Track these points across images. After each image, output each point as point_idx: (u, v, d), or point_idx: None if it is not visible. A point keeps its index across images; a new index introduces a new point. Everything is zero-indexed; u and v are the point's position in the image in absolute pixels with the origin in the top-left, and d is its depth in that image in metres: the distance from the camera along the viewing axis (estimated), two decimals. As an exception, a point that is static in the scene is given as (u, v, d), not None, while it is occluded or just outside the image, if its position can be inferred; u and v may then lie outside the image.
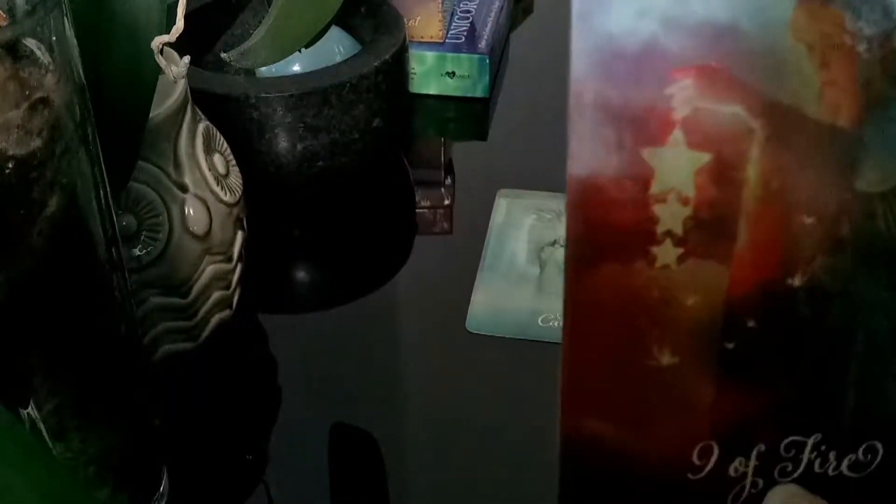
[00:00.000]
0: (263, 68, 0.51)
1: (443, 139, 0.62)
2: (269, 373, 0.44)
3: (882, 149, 0.24)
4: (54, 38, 0.27)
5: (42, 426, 0.29)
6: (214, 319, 0.42)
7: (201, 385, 0.42)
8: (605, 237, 0.24)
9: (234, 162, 0.43)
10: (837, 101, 0.23)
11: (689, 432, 0.27)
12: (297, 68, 0.52)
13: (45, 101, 0.27)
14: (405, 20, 0.55)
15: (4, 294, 0.27)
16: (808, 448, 0.27)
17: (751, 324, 0.26)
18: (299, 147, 0.49)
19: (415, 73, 0.60)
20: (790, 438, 0.27)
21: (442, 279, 0.49)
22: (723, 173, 0.24)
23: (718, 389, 0.26)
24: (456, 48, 0.61)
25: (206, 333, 0.41)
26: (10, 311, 0.27)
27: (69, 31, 0.27)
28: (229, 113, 0.48)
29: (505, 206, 0.52)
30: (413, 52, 0.59)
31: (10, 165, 0.26)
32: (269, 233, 0.50)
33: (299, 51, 0.45)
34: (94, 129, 0.29)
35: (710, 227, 0.24)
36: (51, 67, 0.27)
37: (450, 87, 0.61)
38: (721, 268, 0.25)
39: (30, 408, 0.29)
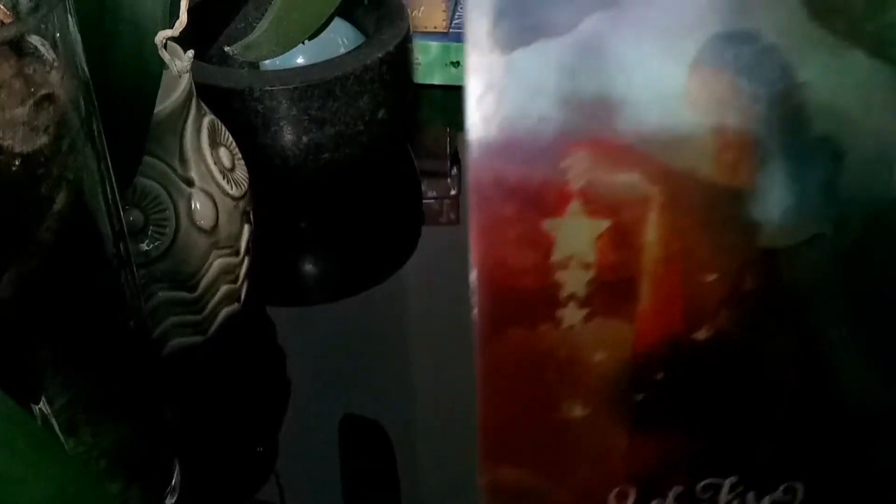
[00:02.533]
0: (267, 61, 0.51)
1: (448, 129, 0.62)
2: (278, 365, 0.44)
3: (782, 206, 0.24)
4: (58, 35, 0.27)
5: (54, 421, 0.29)
6: (223, 313, 0.42)
7: (211, 378, 0.43)
8: (511, 304, 0.25)
9: (239, 155, 0.43)
10: (734, 162, 0.24)
11: (604, 477, 0.27)
12: (300, 61, 0.52)
13: (50, 98, 0.27)
14: (408, 10, 0.55)
15: (14, 290, 0.27)
16: (725, 490, 0.27)
17: (659, 376, 0.26)
18: (304, 139, 0.49)
19: (419, 64, 0.60)
20: (706, 481, 0.27)
21: (449, 269, 0.49)
22: (622, 238, 0.24)
23: (631, 437, 0.27)
24: (460, 38, 0.61)
25: (214, 327, 0.42)
26: (19, 307, 0.27)
27: (73, 28, 0.27)
28: (234, 106, 0.48)
29: (511, 196, 0.52)
30: (417, 43, 0.59)
31: (17, 162, 0.26)
32: (276, 226, 0.50)
33: (303, 43, 0.45)
34: (100, 124, 0.29)
35: (613, 289, 0.25)
36: (55, 64, 0.27)
37: (454, 77, 0.61)
38: (626, 325, 0.25)
39: (41, 403, 0.29)
